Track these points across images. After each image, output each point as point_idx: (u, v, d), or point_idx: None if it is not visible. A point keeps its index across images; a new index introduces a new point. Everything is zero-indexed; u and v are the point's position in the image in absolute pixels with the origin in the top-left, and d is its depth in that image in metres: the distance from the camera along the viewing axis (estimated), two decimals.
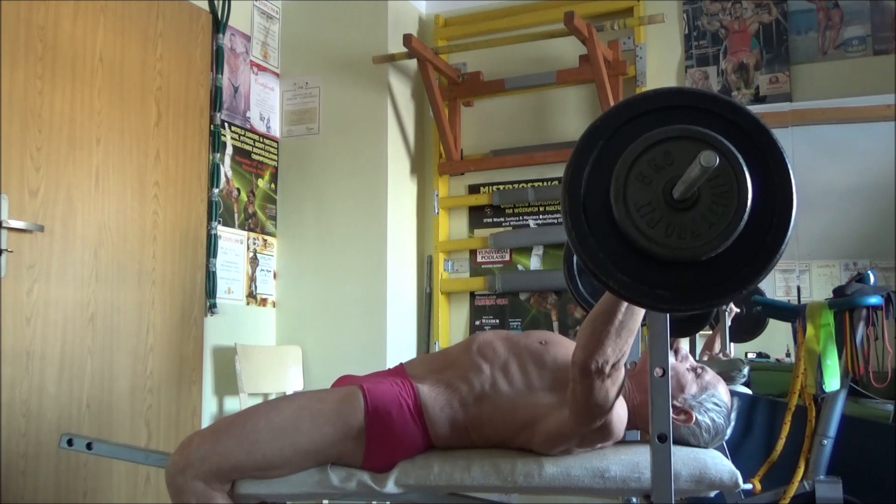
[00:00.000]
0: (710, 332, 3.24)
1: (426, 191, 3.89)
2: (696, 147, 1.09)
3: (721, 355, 3.25)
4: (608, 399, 1.48)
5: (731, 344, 3.29)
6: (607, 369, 1.42)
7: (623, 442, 1.73)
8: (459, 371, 1.77)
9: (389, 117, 3.69)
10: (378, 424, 1.68)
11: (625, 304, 1.35)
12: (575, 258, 2.26)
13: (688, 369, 1.79)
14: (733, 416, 1.79)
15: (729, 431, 1.79)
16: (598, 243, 1.13)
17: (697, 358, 3.23)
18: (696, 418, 1.74)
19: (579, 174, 1.15)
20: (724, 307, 3.12)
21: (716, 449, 1.78)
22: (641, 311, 1.40)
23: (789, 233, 1.10)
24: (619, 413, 1.60)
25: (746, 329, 3.26)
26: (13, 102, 2.56)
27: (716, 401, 1.76)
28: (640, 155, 1.12)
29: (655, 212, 1.11)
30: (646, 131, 1.13)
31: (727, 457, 1.75)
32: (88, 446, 1.86)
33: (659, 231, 1.10)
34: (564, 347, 1.76)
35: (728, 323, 3.19)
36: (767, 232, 1.10)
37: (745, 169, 1.09)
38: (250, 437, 1.65)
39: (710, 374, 1.81)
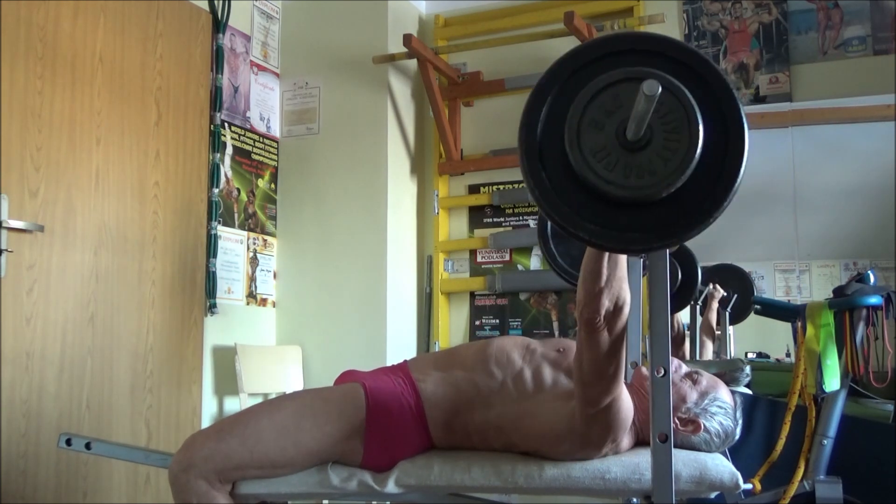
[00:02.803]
0: (703, 322, 3.30)
1: (426, 191, 3.89)
2: None
3: (717, 356, 3.28)
4: (616, 352, 1.47)
5: (732, 345, 3.31)
6: (610, 316, 1.43)
7: None
8: (469, 373, 1.75)
9: (389, 117, 3.68)
10: (378, 422, 1.67)
11: (605, 257, 1.38)
12: (549, 227, 2.26)
13: (683, 379, 1.78)
14: (739, 414, 1.77)
15: (738, 431, 1.76)
16: (561, 196, 1.15)
17: (699, 340, 3.27)
18: (704, 425, 1.71)
19: (533, 131, 1.17)
20: (709, 290, 3.21)
21: None
22: (623, 256, 1.42)
23: (745, 158, 1.12)
24: (625, 401, 1.56)
25: (735, 312, 3.30)
26: (13, 102, 2.56)
27: (719, 403, 1.75)
28: (590, 102, 1.14)
29: (611, 155, 1.12)
30: (593, 79, 1.15)
31: (727, 457, 1.74)
32: (87, 446, 1.85)
33: (617, 173, 1.12)
34: None
35: (716, 306, 3.26)
36: (723, 160, 1.12)
37: (692, 100, 1.10)
38: (254, 436, 1.65)
39: (706, 378, 1.78)
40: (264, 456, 1.65)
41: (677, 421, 1.71)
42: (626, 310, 1.45)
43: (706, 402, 1.74)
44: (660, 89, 1.03)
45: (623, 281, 1.42)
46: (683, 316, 3.34)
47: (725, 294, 3.28)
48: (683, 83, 1.12)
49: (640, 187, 1.11)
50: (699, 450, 1.73)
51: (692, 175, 1.11)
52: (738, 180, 1.12)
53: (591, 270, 1.40)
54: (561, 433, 1.60)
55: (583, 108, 1.14)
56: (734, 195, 1.13)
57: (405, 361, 1.89)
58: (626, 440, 1.67)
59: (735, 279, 3.31)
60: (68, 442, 1.86)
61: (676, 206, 1.13)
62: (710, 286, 3.26)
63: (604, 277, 1.39)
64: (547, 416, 1.63)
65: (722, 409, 1.74)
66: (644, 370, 1.78)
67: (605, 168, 1.12)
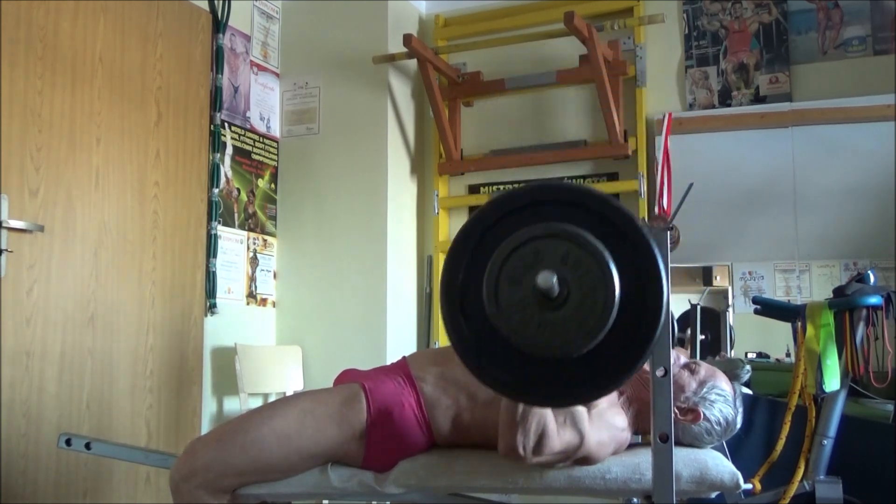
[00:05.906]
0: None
1: (426, 191, 3.89)
2: (562, 245, 1.11)
3: (718, 357, 3.29)
4: (564, 455, 1.49)
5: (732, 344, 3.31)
6: (529, 450, 1.45)
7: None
8: None
9: (389, 117, 3.68)
10: (380, 425, 1.67)
11: None
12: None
13: (681, 369, 1.78)
14: (739, 402, 1.77)
15: (739, 419, 1.76)
16: (478, 345, 1.16)
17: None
18: (704, 414, 1.72)
19: (455, 278, 1.18)
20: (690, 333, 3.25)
21: (716, 449, 1.77)
22: None
23: (661, 323, 1.12)
24: (600, 439, 1.58)
25: (708, 352, 3.33)
26: (13, 102, 2.55)
27: (718, 391, 1.74)
28: (510, 255, 1.14)
29: (527, 310, 1.12)
30: (515, 230, 1.15)
31: (727, 457, 1.74)
32: (87, 446, 1.85)
33: (531, 330, 1.12)
34: None
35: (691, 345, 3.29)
36: (640, 323, 1.12)
37: (611, 265, 1.10)
38: (255, 444, 1.64)
39: (704, 368, 1.79)
40: (266, 463, 1.64)
41: (676, 410, 1.71)
42: (550, 439, 1.45)
43: (705, 390, 1.74)
44: (554, 282, 1.05)
45: (544, 415, 1.43)
46: None
47: (703, 338, 3.32)
48: (605, 239, 1.11)
49: (552, 346, 1.12)
50: (701, 440, 1.73)
51: (607, 336, 1.11)
52: (652, 345, 1.12)
53: (506, 406, 1.42)
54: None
55: (502, 261, 1.14)
56: (647, 358, 1.14)
57: (404, 359, 1.88)
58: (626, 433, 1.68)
59: (708, 319, 3.35)
60: (68, 442, 1.86)
61: (590, 364, 1.13)
62: (687, 331, 3.29)
63: (518, 413, 1.40)
64: None
65: (721, 396, 1.74)
66: None
67: (520, 323, 1.12)
